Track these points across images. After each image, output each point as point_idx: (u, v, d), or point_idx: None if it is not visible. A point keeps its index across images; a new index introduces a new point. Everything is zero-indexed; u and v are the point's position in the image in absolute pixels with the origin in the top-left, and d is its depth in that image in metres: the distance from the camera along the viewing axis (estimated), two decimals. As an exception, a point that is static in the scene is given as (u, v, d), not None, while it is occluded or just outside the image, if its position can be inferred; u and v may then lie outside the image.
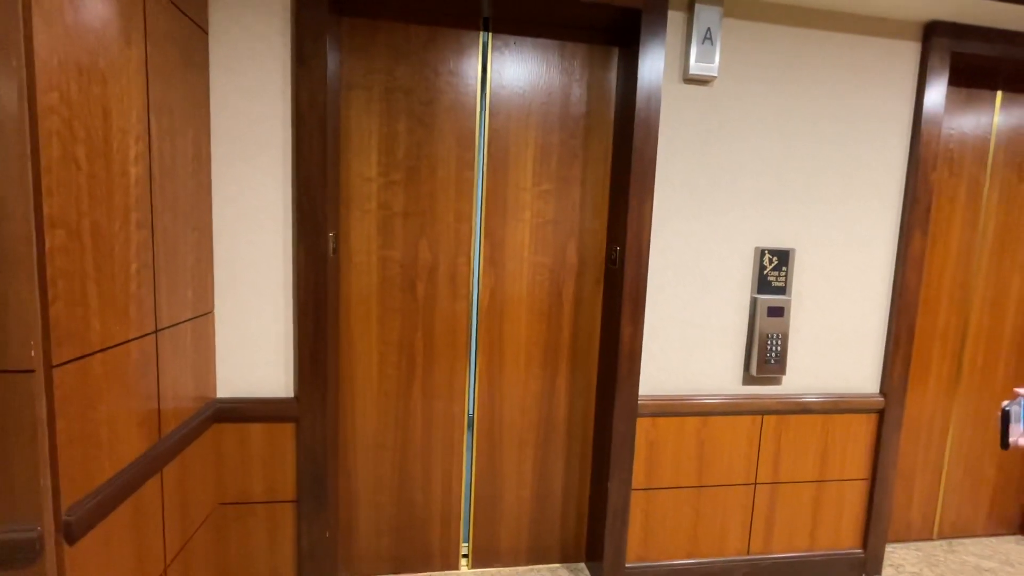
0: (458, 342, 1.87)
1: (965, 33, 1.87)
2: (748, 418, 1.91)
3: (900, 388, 2.00)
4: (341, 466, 1.83)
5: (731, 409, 1.88)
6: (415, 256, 1.81)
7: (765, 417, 1.92)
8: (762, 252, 1.85)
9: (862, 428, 2.00)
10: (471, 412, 1.91)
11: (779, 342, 1.88)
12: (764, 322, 1.86)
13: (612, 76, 1.84)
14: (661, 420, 1.85)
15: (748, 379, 1.90)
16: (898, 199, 1.93)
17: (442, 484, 1.93)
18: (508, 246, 1.85)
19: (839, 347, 1.95)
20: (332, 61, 1.56)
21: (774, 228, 1.86)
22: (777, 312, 1.86)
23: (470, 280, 1.85)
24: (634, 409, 1.81)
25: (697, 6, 1.67)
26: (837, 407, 1.95)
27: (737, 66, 1.76)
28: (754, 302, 1.86)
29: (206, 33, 1.44)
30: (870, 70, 1.85)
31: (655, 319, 1.81)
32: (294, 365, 1.60)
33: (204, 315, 1.47)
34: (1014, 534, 2.41)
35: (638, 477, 1.86)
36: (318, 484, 1.63)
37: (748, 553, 1.99)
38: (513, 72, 1.79)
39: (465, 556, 1.99)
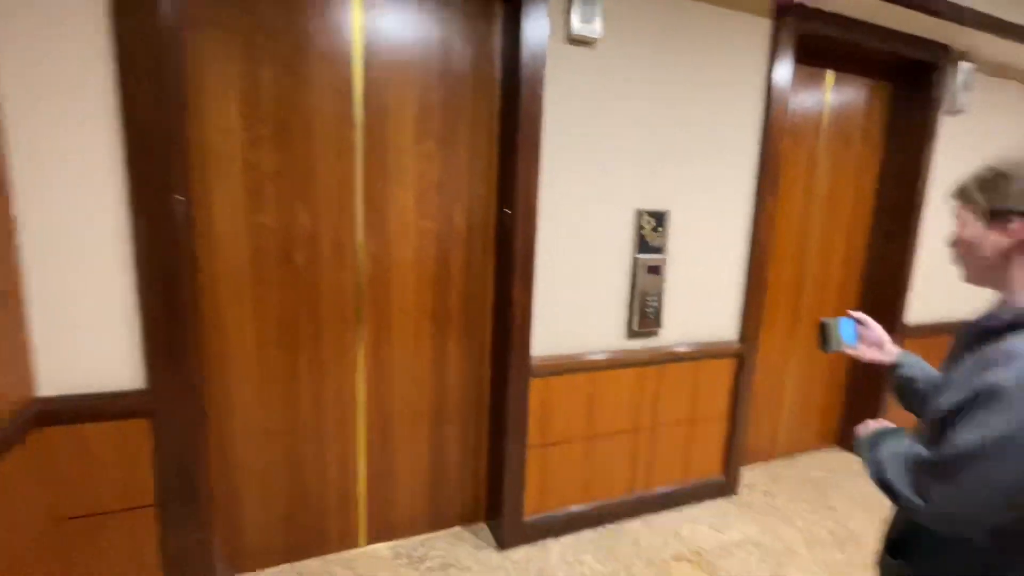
0: (346, 315, 1.74)
1: (810, 15, 2.08)
2: (631, 370, 2.05)
3: (753, 334, 2.28)
4: (217, 459, 1.65)
5: (616, 363, 2.00)
6: (291, 222, 1.63)
7: (646, 368, 2.07)
8: (641, 213, 1.95)
9: (724, 372, 2.25)
10: (362, 386, 1.81)
11: (657, 298, 2.02)
12: (644, 280, 1.98)
13: (496, 31, 1.77)
14: (553, 379, 1.91)
15: (631, 334, 2.03)
16: (754, 165, 2.14)
17: (337, 464, 1.83)
18: (392, 211, 1.74)
19: (706, 299, 2.16)
20: (165, -13, 1.30)
21: (652, 190, 1.96)
22: (655, 270, 2.00)
23: (354, 248, 1.72)
24: (527, 371, 1.85)
25: (579, -37, 1.65)
26: (705, 354, 2.17)
27: (619, 29, 1.79)
28: (635, 262, 1.97)
29: (-24, -66, 1.11)
30: (732, 42, 1.99)
31: (545, 282, 1.84)
32: (143, 352, 1.38)
33: None
34: (833, 446, 2.92)
35: (533, 435, 1.93)
36: (185, 482, 1.45)
37: (633, 491, 2.18)
38: (391, 20, 1.64)
39: (363, 534, 1.92)
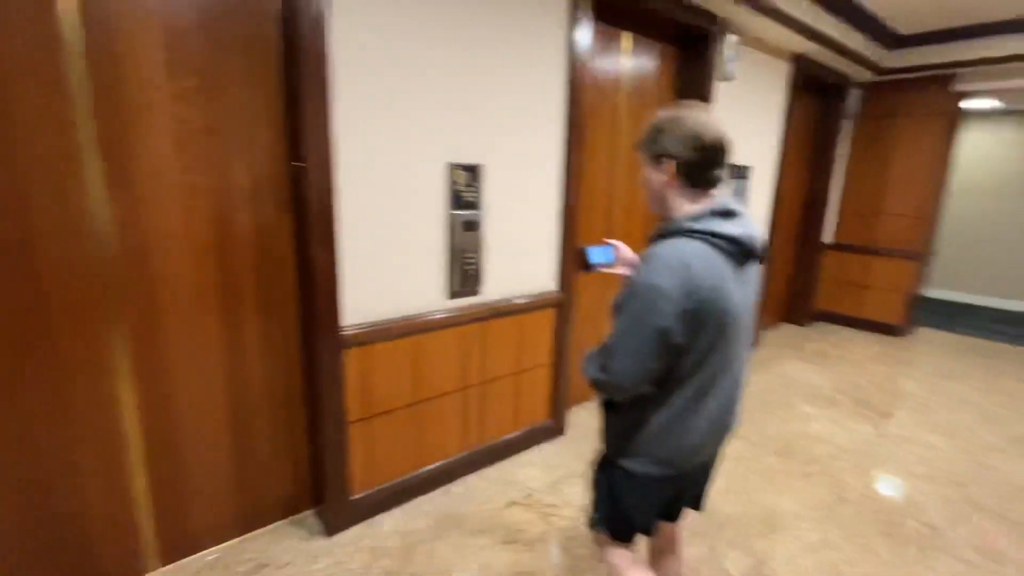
0: (89, 301, 1.37)
1: (601, -30, 2.14)
2: (456, 330, 2.01)
3: (569, 284, 2.40)
4: None
5: (440, 324, 1.94)
6: None
7: (470, 326, 2.06)
8: (453, 168, 1.87)
9: (546, 322, 2.35)
10: (128, 389, 1.48)
11: (477, 255, 1.99)
12: (462, 237, 1.93)
13: (264, -55, 1.48)
14: (372, 347, 1.78)
15: (453, 293, 1.98)
16: (563, 120, 2.20)
17: (101, 486, 1.48)
18: (143, 165, 1.40)
19: (525, 253, 2.20)
20: None
21: (464, 144, 1.89)
22: (472, 227, 1.95)
23: (88, 214, 1.34)
24: (339, 342, 1.69)
25: None
26: (527, 307, 2.23)
27: (411, -39, 1.63)
28: (451, 219, 1.90)
29: None
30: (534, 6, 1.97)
31: (354, 243, 1.67)
32: None
33: None
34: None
35: (354, 409, 1.79)
36: None
37: (467, 448, 2.19)
38: None
39: (155, 556, 1.62)
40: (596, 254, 1.32)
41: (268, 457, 1.79)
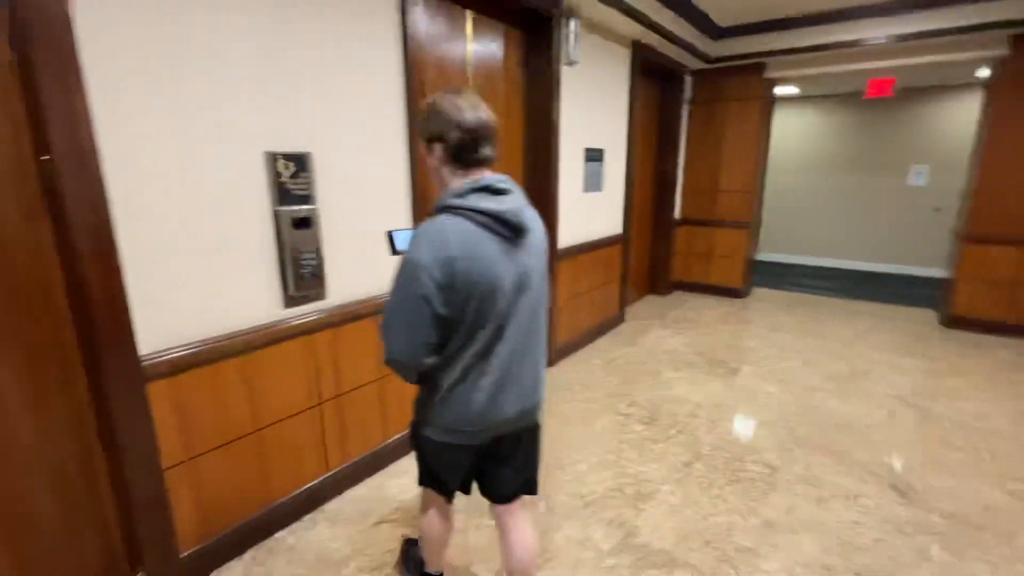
0: None
1: (430, -60, 2.00)
2: (298, 340, 1.78)
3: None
4: None
5: (276, 337, 1.70)
6: None
7: (316, 335, 1.83)
8: (275, 157, 1.62)
9: (408, 319, 2.19)
10: None
11: (315, 255, 1.77)
12: (293, 236, 1.70)
13: None
14: (187, 376, 1.49)
15: (289, 300, 1.74)
16: (402, 102, 2.03)
17: None
18: None
19: (374, 249, 2.01)
20: None
21: (286, 129, 1.65)
22: (305, 223, 1.72)
23: None
24: (138, 376, 1.38)
25: None
26: (381, 304, 2.05)
27: (186, -93, 1.34)
28: (277, 216, 1.66)
29: None
30: (355, -42, 1.77)
31: (144, 251, 1.37)
32: None
33: None
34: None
35: (171, 451, 1.49)
36: None
37: (328, 469, 1.98)
38: None
39: None
40: (402, 239, 1.28)
41: (60, 526, 1.43)
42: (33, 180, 1.26)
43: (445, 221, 1.05)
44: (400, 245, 1.27)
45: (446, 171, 1.12)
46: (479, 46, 2.59)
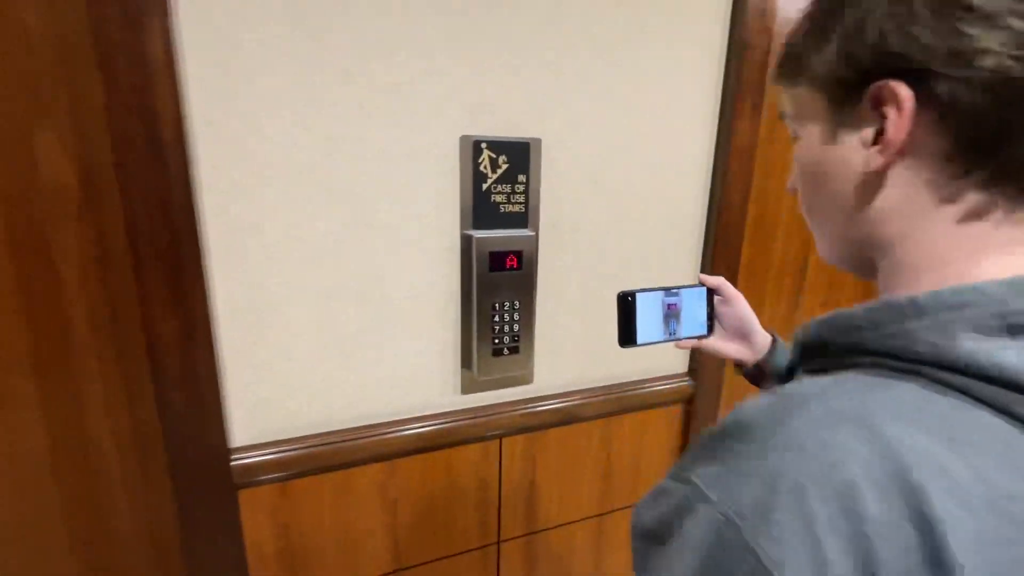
0: None
1: None
2: (475, 447, 1.09)
3: (717, 361, 1.31)
4: None
5: (442, 438, 1.05)
6: None
7: (505, 439, 1.12)
8: (476, 146, 0.94)
9: (663, 428, 1.29)
10: None
11: (518, 312, 1.04)
12: (489, 281, 0.99)
13: None
14: (299, 484, 0.96)
15: (469, 382, 1.06)
16: (720, 44, 1.11)
17: None
18: None
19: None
20: None
21: (497, 98, 0.95)
22: (510, 260, 1.00)
23: None
24: (224, 475, 0.89)
25: None
26: (623, 404, 1.21)
27: None
28: (467, 244, 0.98)
29: None
30: None
31: (251, 289, 0.86)
32: None
33: None
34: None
35: (268, 588, 0.99)
36: None
37: (501, 633, 1.27)
38: None
39: None
40: (685, 308, 0.70)
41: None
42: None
43: (922, 420, 0.27)
44: (649, 332, 0.71)
45: (922, 200, 0.34)
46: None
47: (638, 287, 0.74)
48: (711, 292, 0.73)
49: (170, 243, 0.78)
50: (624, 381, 1.22)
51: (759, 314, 0.75)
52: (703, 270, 1.23)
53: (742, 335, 0.74)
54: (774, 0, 1.10)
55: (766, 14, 1.10)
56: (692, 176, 1.16)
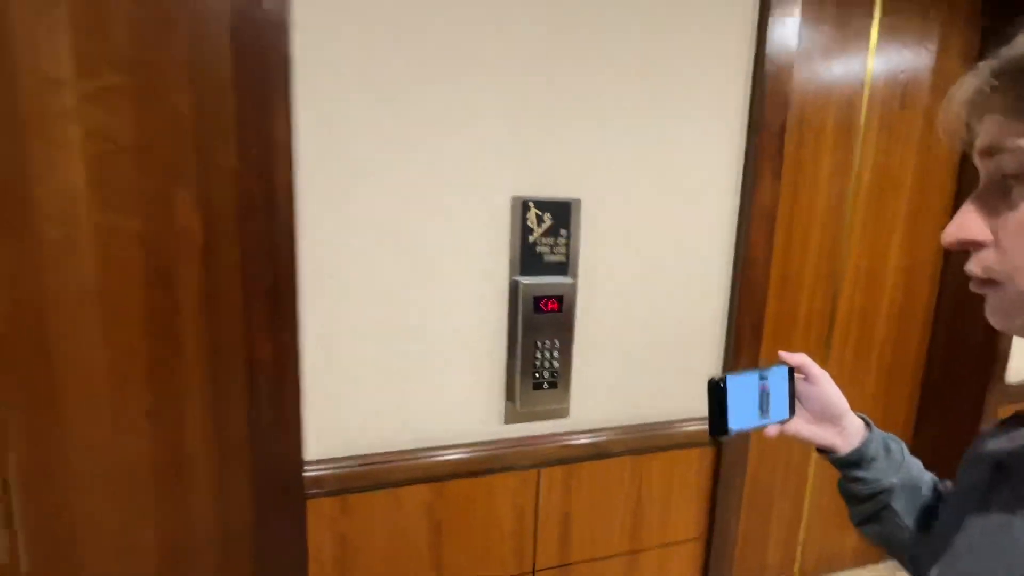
0: None
1: None
2: (515, 475, 1.19)
3: (746, 403, 1.37)
4: None
5: (484, 464, 1.15)
6: None
7: (543, 471, 1.21)
8: (524, 205, 1.10)
9: (692, 466, 1.35)
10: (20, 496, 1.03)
11: (557, 351, 1.16)
12: (532, 321, 1.12)
13: None
14: (356, 499, 1.07)
15: (512, 413, 1.17)
16: (741, 124, 1.25)
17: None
18: (45, 198, 0.96)
19: (656, 350, 1.27)
20: None
21: (544, 165, 1.11)
22: (552, 303, 1.13)
23: None
24: (297, 485, 1.02)
25: None
26: (653, 442, 1.28)
27: None
28: (515, 289, 1.12)
29: None
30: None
31: (331, 324, 1.01)
32: None
33: None
34: (885, 561, 1.95)
35: (325, 593, 1.09)
36: None
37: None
38: None
39: None
40: (774, 391, 0.64)
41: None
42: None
43: None
44: (741, 419, 0.63)
45: None
46: (890, 41, 1.56)
47: (730, 371, 0.71)
48: (792, 371, 0.67)
49: (272, 283, 0.94)
50: (654, 421, 1.30)
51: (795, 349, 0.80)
52: (730, 321, 1.32)
53: (829, 418, 0.66)
54: (788, 82, 1.25)
55: (781, 95, 1.24)
56: (717, 233, 1.28)
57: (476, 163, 1.05)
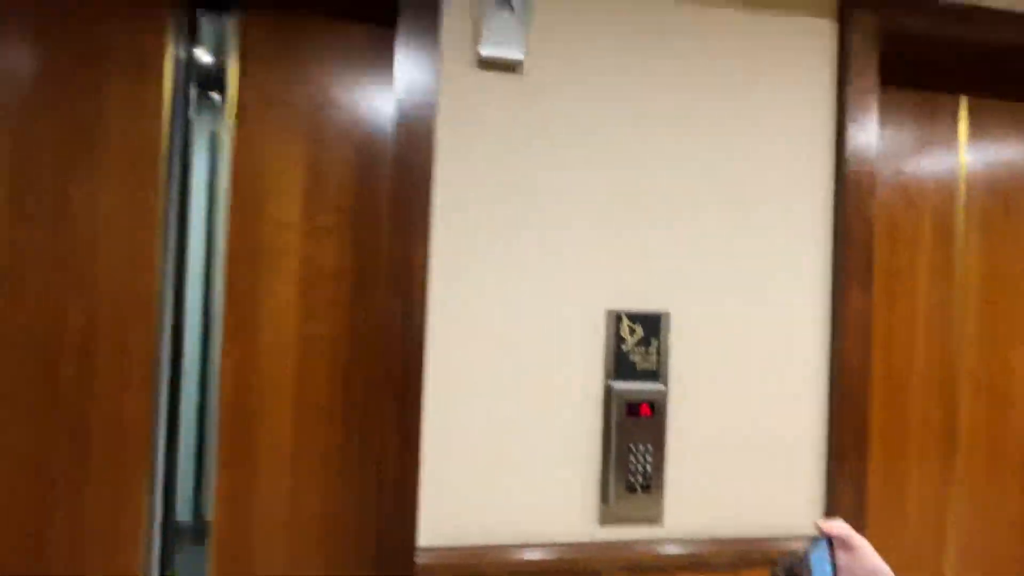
0: (127, 448, 1.20)
1: (898, 4, 1.33)
2: (608, 580, 1.21)
3: (855, 520, 1.30)
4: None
5: (576, 565, 1.18)
6: (59, 322, 1.17)
7: (638, 577, 1.22)
8: (618, 317, 1.22)
9: (798, 590, 1.28)
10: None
11: (650, 455, 1.21)
12: (625, 424, 1.20)
13: (388, 69, 1.30)
14: (459, 588, 1.15)
15: (606, 515, 1.22)
16: (825, 235, 1.32)
17: None
18: (264, 310, 1.23)
19: (751, 460, 1.28)
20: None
21: (635, 280, 1.24)
22: (645, 408, 1.21)
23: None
24: (410, 571, 1.12)
25: (489, -39, 1.15)
26: (750, 557, 1.25)
27: (567, 43, 1.22)
28: (608, 393, 1.21)
29: None
30: (772, 55, 1.30)
31: (447, 418, 1.16)
32: None
33: None
34: None
35: None
36: None
37: None
38: (266, 51, 1.24)
39: None
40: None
41: None
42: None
43: None
44: None
45: None
46: (982, 143, 1.58)
47: (786, 558, 0.69)
48: (831, 542, 0.65)
49: (404, 381, 1.12)
50: (752, 536, 1.27)
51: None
52: (830, 430, 1.30)
53: None
54: (871, 192, 1.31)
55: (864, 205, 1.30)
56: (810, 342, 1.31)
57: (574, 281, 1.21)
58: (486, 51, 1.15)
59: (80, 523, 1.15)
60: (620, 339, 1.22)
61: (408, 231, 1.13)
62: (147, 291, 1.18)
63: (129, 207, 1.18)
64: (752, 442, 1.27)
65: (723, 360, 1.27)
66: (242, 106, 1.22)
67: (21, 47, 1.14)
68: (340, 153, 1.26)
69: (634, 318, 1.23)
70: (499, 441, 1.18)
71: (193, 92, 1.26)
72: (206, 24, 1.25)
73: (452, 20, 1.17)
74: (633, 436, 1.20)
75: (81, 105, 1.16)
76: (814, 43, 1.32)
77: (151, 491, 1.18)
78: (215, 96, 1.27)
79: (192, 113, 1.26)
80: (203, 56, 1.27)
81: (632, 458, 1.20)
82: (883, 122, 1.48)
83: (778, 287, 1.30)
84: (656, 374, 1.23)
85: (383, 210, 1.26)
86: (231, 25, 1.23)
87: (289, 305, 1.24)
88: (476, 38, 1.18)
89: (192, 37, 1.25)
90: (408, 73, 1.14)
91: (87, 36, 1.16)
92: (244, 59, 1.23)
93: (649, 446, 1.21)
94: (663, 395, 1.22)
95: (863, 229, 1.31)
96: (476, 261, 1.17)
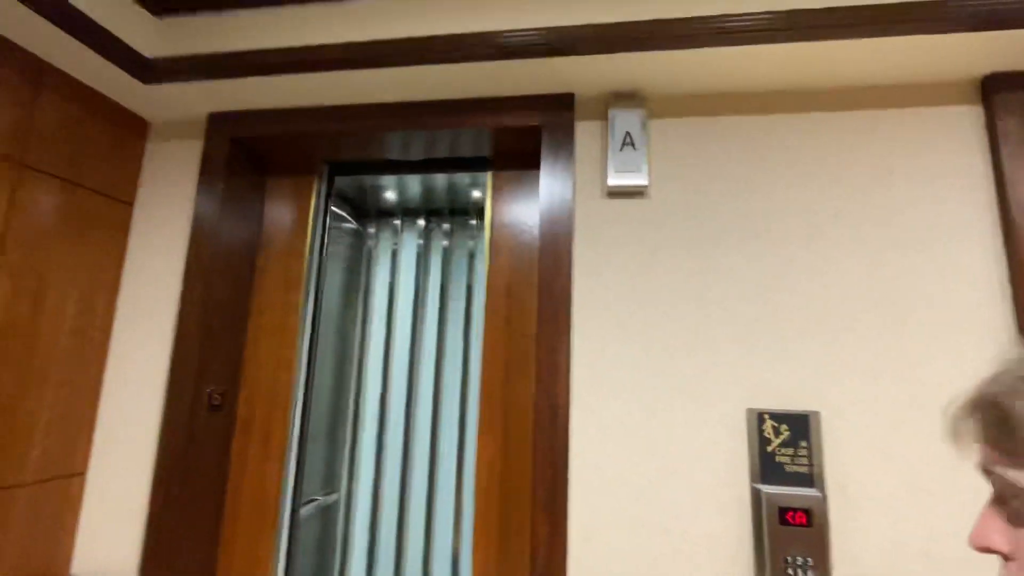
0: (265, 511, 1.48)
1: (1055, 79, 1.24)
2: None
3: None
4: None
5: None
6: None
7: None
8: (760, 417, 1.22)
9: None
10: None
11: (811, 570, 1.13)
12: (778, 533, 1.15)
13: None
14: None
15: (766, 634, 1.14)
16: (999, 322, 1.19)
17: None
18: (514, 406, 1.49)
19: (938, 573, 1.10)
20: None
21: (777, 379, 1.24)
22: (800, 516, 1.15)
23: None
24: (561, 666, 1.17)
25: (611, 112, 1.39)
26: None
27: (684, 168, 1.37)
28: (757, 496, 1.19)
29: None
30: (909, 147, 1.30)
31: (591, 514, 1.24)
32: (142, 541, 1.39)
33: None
34: None
35: None
36: None
37: None
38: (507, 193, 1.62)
39: None
40: None
41: None
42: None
43: None
44: None
45: None
46: None
47: None
48: None
49: (552, 477, 1.25)
50: None
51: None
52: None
53: None
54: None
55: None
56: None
57: (711, 381, 1.26)
58: (612, 181, 1.36)
59: None
60: (764, 440, 1.21)
61: (553, 340, 1.31)
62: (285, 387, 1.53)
63: (281, 324, 1.58)
64: (941, 562, 1.11)
65: (889, 465, 1.16)
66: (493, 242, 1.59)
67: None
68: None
69: (778, 418, 1.21)
70: (642, 538, 1.21)
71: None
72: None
73: (585, 162, 1.41)
74: (789, 547, 1.14)
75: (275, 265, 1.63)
76: (957, 130, 1.29)
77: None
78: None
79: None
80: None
81: (790, 571, 1.13)
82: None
83: (943, 386, 1.18)
84: (809, 479, 1.18)
85: (531, 324, 1.48)
86: (489, 178, 1.61)
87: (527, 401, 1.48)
88: (603, 172, 1.40)
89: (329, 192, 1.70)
90: (547, 202, 1.39)
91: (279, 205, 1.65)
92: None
93: (809, 560, 1.13)
94: (821, 503, 1.15)
95: (1058, 317, 1.15)
96: (612, 365, 1.30)
